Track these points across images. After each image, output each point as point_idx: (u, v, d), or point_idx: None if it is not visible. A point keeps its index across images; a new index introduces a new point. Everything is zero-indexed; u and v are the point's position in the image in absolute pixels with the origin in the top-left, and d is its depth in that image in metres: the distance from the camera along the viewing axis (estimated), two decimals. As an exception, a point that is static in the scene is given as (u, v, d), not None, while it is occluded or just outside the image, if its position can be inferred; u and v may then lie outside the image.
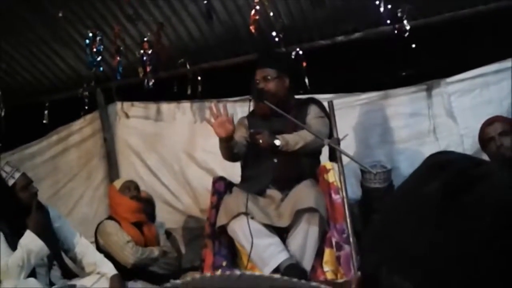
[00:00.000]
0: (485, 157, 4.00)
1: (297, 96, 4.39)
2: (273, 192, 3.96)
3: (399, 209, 0.74)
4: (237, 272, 0.73)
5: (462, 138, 4.91)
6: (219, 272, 3.84)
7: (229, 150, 3.94)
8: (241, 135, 4.09)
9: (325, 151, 4.18)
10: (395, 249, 0.70)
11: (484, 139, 3.89)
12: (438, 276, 0.66)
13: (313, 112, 4.12)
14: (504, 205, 0.67)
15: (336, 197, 3.83)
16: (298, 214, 3.71)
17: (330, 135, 3.98)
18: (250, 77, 4.18)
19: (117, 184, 4.70)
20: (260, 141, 3.82)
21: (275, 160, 3.99)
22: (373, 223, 0.78)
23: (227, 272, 0.71)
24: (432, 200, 0.70)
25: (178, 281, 0.98)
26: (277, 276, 0.76)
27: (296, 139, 3.91)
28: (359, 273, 0.75)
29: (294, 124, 3.85)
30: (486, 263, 0.65)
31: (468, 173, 0.70)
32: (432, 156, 0.77)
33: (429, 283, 0.67)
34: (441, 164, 0.73)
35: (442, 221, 0.68)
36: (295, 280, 0.81)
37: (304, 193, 3.75)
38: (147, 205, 4.80)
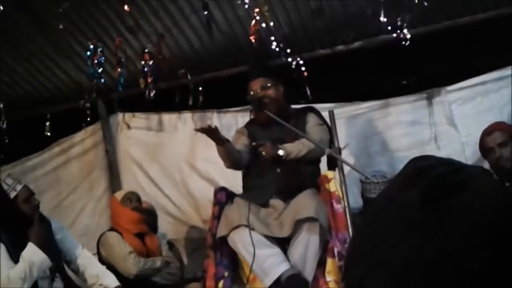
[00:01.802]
0: (486, 165, 4.00)
1: (294, 106, 4.41)
2: (276, 202, 3.95)
3: (380, 219, 0.73)
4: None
5: (463, 146, 4.91)
6: (221, 283, 3.84)
7: (228, 154, 3.94)
8: (242, 143, 4.10)
9: (324, 159, 4.19)
10: (378, 261, 0.69)
11: (484, 148, 3.89)
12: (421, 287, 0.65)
13: (312, 120, 4.16)
14: (485, 214, 0.65)
15: (337, 207, 3.83)
16: (298, 224, 3.71)
17: (331, 142, 4.01)
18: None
19: (119, 195, 4.70)
20: (264, 153, 3.84)
21: (278, 170, 3.99)
22: (356, 234, 0.78)
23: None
24: (412, 210, 0.68)
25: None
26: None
27: (299, 147, 3.94)
28: (342, 283, 0.75)
29: (294, 132, 3.86)
30: (469, 272, 0.64)
31: (446, 180, 0.69)
32: (412, 161, 0.75)
33: None
34: (421, 170, 0.72)
35: (422, 232, 0.67)
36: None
37: (304, 203, 3.74)
38: (149, 216, 4.80)
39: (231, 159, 4.00)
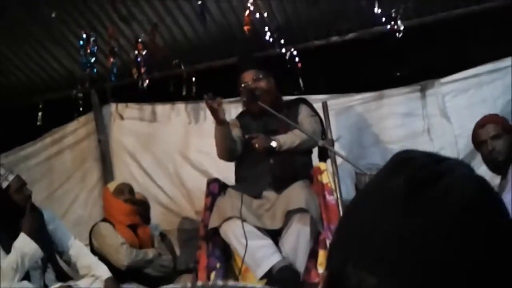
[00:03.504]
0: (479, 157, 4.00)
1: (285, 97, 4.41)
2: (269, 194, 3.94)
3: (364, 205, 0.76)
4: (220, 282, 0.73)
5: (456, 138, 4.91)
6: (213, 274, 3.83)
7: (224, 137, 3.92)
8: (235, 135, 4.09)
9: (315, 150, 4.18)
10: (360, 245, 0.72)
11: (477, 141, 3.88)
12: (402, 270, 0.68)
13: (304, 111, 4.16)
14: (466, 199, 0.70)
15: (330, 198, 3.84)
16: (289, 215, 3.71)
17: (323, 133, 4.02)
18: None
19: (111, 186, 4.68)
20: (257, 145, 3.84)
21: (271, 161, 3.99)
22: (339, 222, 0.80)
23: (210, 283, 0.71)
24: (395, 195, 0.72)
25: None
26: (260, 285, 0.76)
27: (292, 138, 3.94)
28: (325, 271, 0.76)
29: (286, 123, 3.86)
30: (449, 256, 0.68)
31: (430, 168, 0.73)
32: (396, 154, 0.79)
33: (394, 277, 0.68)
34: (405, 160, 0.76)
35: (405, 216, 0.70)
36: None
37: (294, 194, 3.74)
38: (141, 207, 4.79)
39: (226, 144, 3.98)
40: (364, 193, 0.80)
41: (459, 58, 5.02)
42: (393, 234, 0.69)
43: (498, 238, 0.70)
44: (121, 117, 5.71)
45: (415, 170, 0.73)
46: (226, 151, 4.03)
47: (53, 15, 4.53)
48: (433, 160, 0.75)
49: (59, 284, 3.72)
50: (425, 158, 0.76)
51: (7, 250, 3.64)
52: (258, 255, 3.70)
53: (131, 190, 4.64)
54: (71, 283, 3.84)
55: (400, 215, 0.70)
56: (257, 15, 4.65)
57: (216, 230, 3.86)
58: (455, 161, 0.76)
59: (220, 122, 3.87)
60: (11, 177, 3.85)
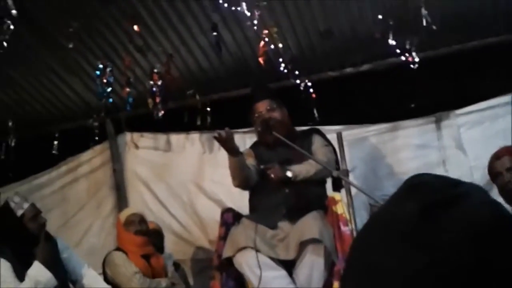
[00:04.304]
0: (495, 189, 3.97)
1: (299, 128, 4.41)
2: (283, 224, 3.92)
3: (375, 233, 0.74)
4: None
5: (471, 170, 4.88)
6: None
7: (240, 167, 3.91)
8: (250, 164, 4.09)
9: (329, 180, 4.17)
10: (372, 273, 0.70)
11: (492, 173, 3.86)
12: None
13: (317, 141, 4.15)
14: (481, 226, 0.68)
15: (345, 229, 3.81)
16: (303, 246, 3.68)
17: (337, 163, 4.01)
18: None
19: (122, 217, 4.61)
20: (272, 175, 3.84)
21: (287, 191, 3.97)
22: (351, 250, 0.77)
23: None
24: (408, 220, 0.69)
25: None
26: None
27: (307, 168, 3.94)
28: None
29: (301, 153, 3.85)
30: (464, 284, 0.65)
31: (444, 193, 0.71)
32: (409, 178, 0.76)
33: None
34: (417, 185, 0.73)
35: (416, 241, 0.68)
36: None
37: (308, 225, 3.72)
38: (155, 236, 4.77)
39: (242, 174, 3.96)
40: (375, 219, 0.77)
41: (474, 90, 5.02)
42: (405, 263, 0.67)
43: None
44: (136, 146, 5.74)
45: (428, 194, 0.71)
46: (243, 180, 4.01)
47: (70, 45, 4.57)
48: (448, 184, 0.73)
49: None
50: (439, 181, 0.73)
51: (21, 278, 3.64)
52: (272, 286, 3.67)
53: (141, 220, 4.58)
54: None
55: (410, 242, 0.68)
56: (272, 46, 4.68)
57: (230, 260, 3.84)
58: (471, 185, 0.74)
59: (232, 152, 3.86)
60: (26, 205, 3.86)
